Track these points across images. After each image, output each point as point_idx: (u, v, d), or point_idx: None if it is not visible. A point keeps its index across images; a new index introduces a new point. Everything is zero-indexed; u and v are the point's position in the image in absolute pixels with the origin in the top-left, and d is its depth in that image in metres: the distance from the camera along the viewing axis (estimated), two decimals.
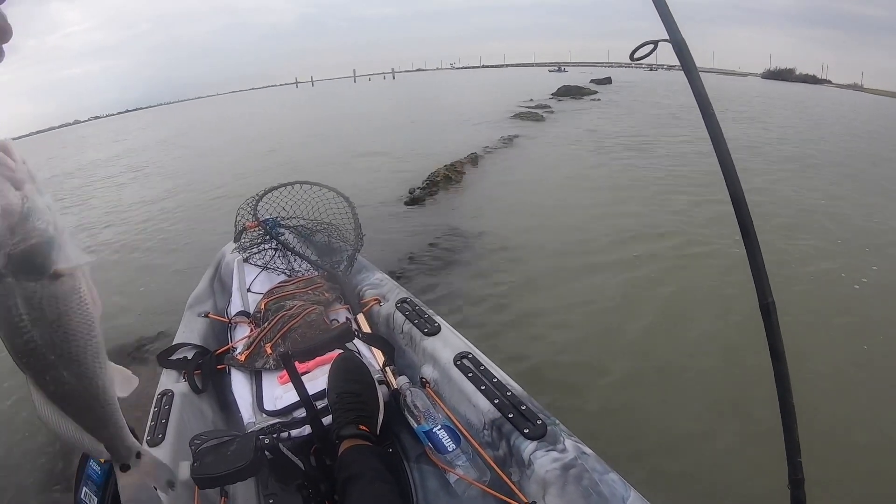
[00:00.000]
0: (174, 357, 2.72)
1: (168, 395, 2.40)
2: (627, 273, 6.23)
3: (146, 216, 10.95)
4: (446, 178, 10.42)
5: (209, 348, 2.84)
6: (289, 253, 3.63)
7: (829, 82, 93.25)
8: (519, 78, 74.43)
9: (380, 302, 3.03)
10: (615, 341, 4.80)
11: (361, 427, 1.97)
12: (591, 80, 46.78)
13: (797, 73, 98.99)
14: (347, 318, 2.90)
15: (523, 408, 1.95)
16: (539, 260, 6.68)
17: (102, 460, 2.24)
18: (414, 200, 9.36)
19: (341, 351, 2.27)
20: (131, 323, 6.02)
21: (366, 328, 2.77)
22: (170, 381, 2.55)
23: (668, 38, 1.68)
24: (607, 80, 48.79)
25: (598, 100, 29.92)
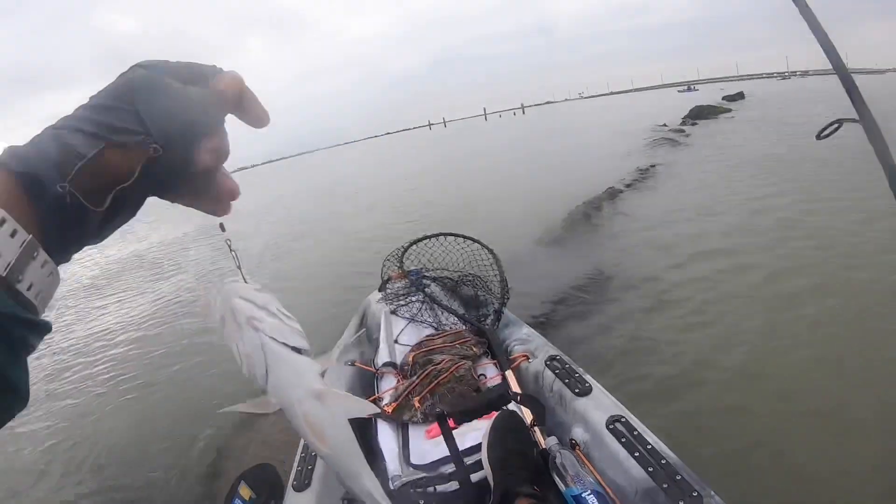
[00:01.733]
0: None
1: None
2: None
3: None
4: (585, 216, 10.23)
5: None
6: (435, 306, 3.68)
7: None
8: (649, 102, 73.00)
9: (528, 358, 3.01)
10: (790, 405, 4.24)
11: (535, 487, 1.96)
12: (723, 98, 45.41)
13: None
14: (502, 377, 2.88)
15: (678, 478, 1.92)
16: (700, 308, 6.12)
17: (248, 497, 2.42)
18: (554, 241, 9.21)
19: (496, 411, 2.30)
20: None
21: (515, 385, 2.76)
22: None
23: (856, 118, 1.64)
24: (739, 96, 47.15)
25: (733, 118, 28.84)
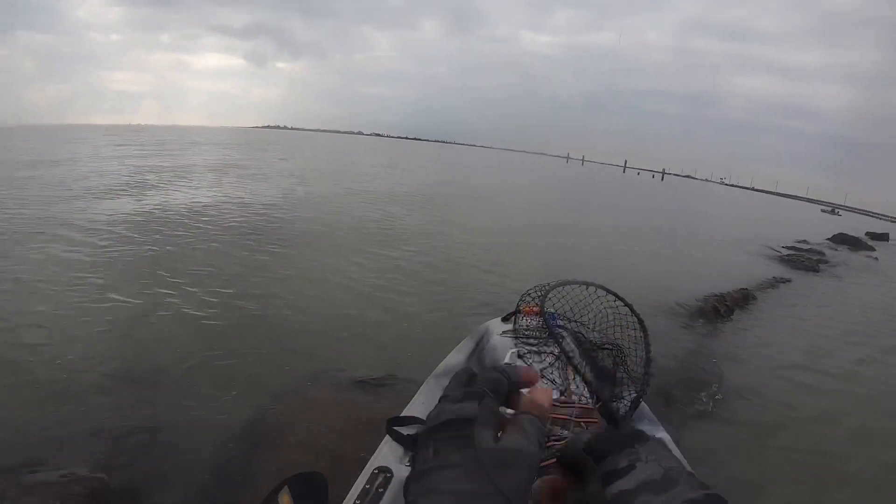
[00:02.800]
0: (406, 429, 2.41)
1: (386, 474, 2.15)
2: None
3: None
4: (714, 311, 9.87)
5: None
6: (569, 367, 3.31)
7: None
8: (789, 210, 71.02)
9: None
10: None
11: None
12: (867, 233, 43.52)
13: None
14: None
15: None
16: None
17: None
18: (684, 324, 9.02)
19: None
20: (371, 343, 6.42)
21: None
22: (392, 456, 2.27)
23: None
24: (884, 237, 45.16)
25: (876, 258, 27.42)
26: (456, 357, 3.49)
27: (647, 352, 3.62)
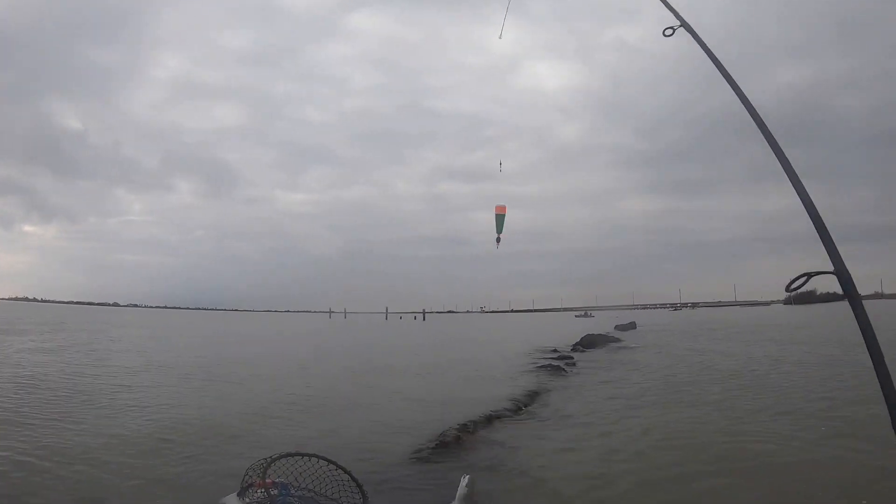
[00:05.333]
0: None
1: None
2: None
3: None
4: (457, 440, 10.02)
5: None
6: None
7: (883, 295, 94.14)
8: (546, 324, 75.18)
9: None
10: None
11: None
12: (616, 326, 47.48)
13: (818, 293, 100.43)
14: None
15: None
16: None
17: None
18: (421, 460, 9.01)
19: None
20: None
21: None
22: None
23: (832, 269, 1.93)
24: (632, 326, 49.48)
25: (622, 348, 30.16)
26: None
27: None
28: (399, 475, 8.28)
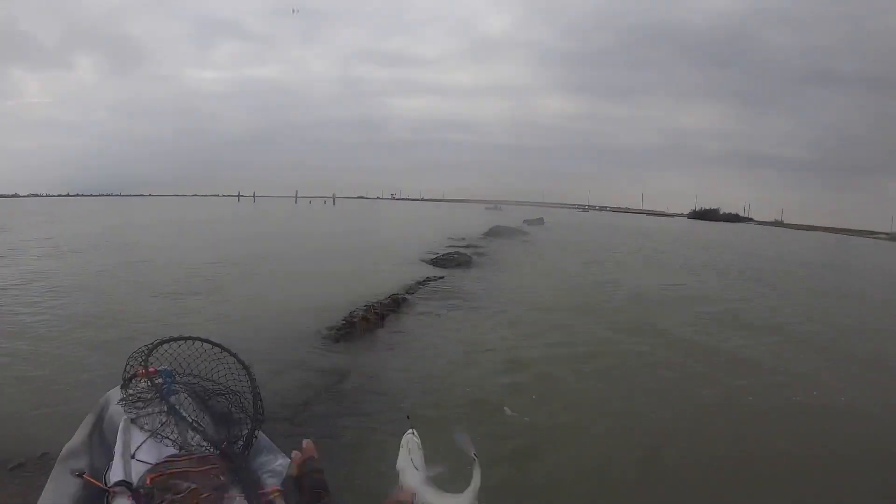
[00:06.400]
0: None
1: None
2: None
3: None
4: (364, 320, 10.20)
5: None
6: (183, 422, 3.35)
7: (752, 220, 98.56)
8: (456, 214, 75.88)
9: (282, 493, 2.72)
10: None
11: None
12: (525, 221, 48.19)
13: (721, 212, 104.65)
14: None
15: None
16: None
17: None
18: (329, 339, 9.21)
19: None
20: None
21: None
22: None
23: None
24: (539, 221, 50.34)
25: (528, 241, 30.65)
26: (79, 436, 3.39)
27: (255, 393, 3.76)
28: (299, 356, 8.37)
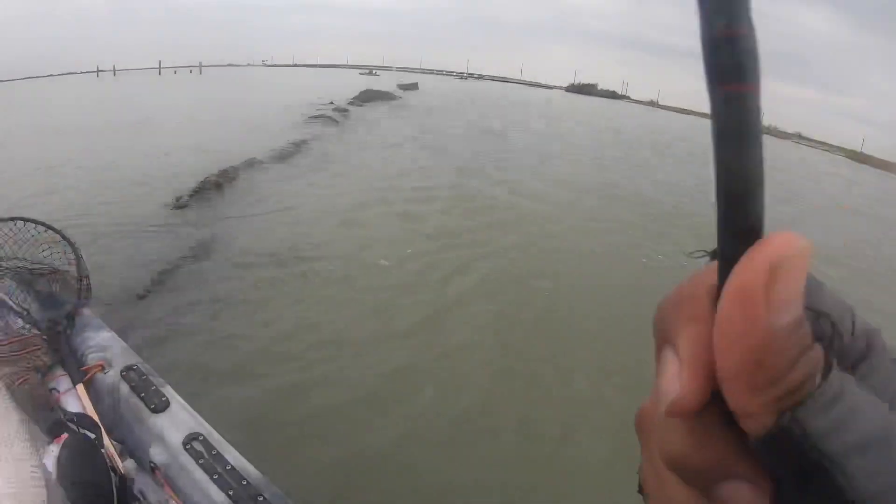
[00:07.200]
0: None
1: None
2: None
3: None
4: (216, 186, 10.04)
5: None
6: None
7: (628, 98, 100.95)
8: (328, 79, 74.03)
9: (104, 368, 2.70)
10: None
11: None
12: (398, 85, 47.57)
13: (599, 88, 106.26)
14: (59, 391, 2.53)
15: (260, 498, 1.87)
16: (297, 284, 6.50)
17: None
18: (178, 207, 8.98)
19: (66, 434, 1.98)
20: None
21: (86, 401, 2.45)
22: None
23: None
24: (413, 86, 49.85)
25: (400, 106, 30.44)
26: None
27: (80, 269, 3.68)
28: (140, 227, 8.13)
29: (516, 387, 4.91)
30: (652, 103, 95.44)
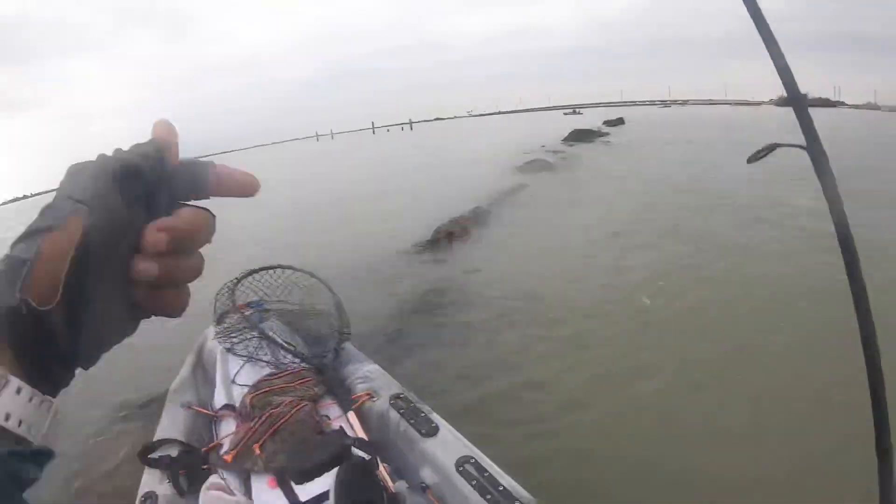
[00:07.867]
0: (157, 454, 2.49)
1: (152, 497, 2.25)
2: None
3: None
4: (449, 235, 10.35)
5: (193, 444, 2.67)
6: (274, 344, 3.43)
7: (843, 104, 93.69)
8: (535, 123, 74.60)
9: (372, 397, 2.89)
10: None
11: None
12: (604, 122, 46.98)
13: (810, 97, 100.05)
14: (340, 427, 2.72)
15: None
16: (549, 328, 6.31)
17: None
18: (420, 253, 9.55)
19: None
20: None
21: (357, 427, 2.64)
22: (153, 481, 2.36)
23: (804, 144, 1.56)
24: (620, 121, 48.96)
25: (609, 142, 29.98)
26: (184, 373, 3.59)
27: (339, 309, 3.92)
28: (384, 273, 8.71)
29: None
30: (870, 105, 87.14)
